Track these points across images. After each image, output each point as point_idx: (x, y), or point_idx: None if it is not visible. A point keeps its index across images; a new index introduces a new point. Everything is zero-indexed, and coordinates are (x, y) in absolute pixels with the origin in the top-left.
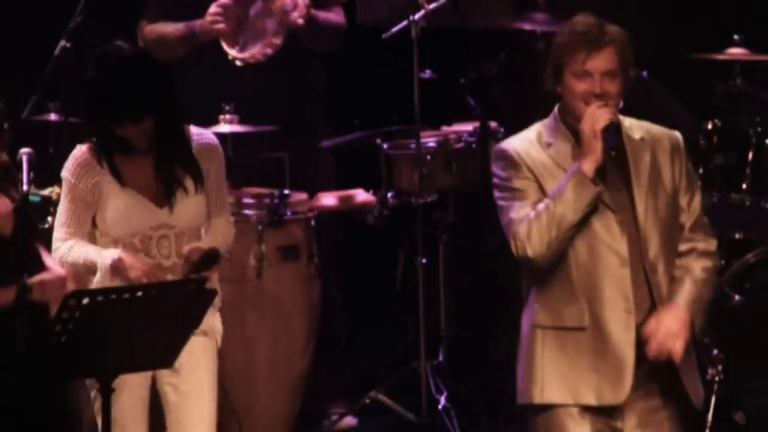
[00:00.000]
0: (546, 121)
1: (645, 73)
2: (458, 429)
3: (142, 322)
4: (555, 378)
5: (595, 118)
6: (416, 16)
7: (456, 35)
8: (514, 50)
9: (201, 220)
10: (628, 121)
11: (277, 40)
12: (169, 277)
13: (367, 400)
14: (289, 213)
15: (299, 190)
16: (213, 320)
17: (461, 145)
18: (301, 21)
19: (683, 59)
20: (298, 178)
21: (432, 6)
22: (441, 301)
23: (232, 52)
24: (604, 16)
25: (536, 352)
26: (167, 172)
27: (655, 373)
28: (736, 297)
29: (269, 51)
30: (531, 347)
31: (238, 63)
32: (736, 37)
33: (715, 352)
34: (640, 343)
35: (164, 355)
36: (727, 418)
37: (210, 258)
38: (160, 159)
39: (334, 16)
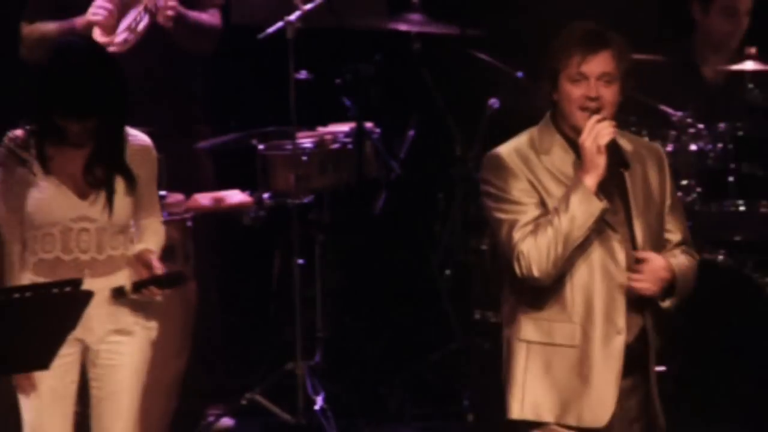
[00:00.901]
0: (537, 128)
1: (520, 74)
2: (335, 429)
3: (18, 324)
4: (537, 395)
5: (598, 132)
6: (292, 17)
7: (331, 36)
8: (390, 51)
9: (126, 220)
10: (619, 135)
11: (138, 29)
12: (86, 272)
13: (244, 401)
14: (165, 214)
15: (176, 192)
16: (136, 319)
17: (337, 145)
18: (168, 23)
19: None
20: (175, 179)
21: (307, 7)
22: (317, 301)
23: (100, 39)
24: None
25: (519, 367)
26: (98, 169)
27: (633, 390)
28: None
29: (130, 37)
30: (515, 361)
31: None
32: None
33: None
34: (627, 364)
35: (39, 357)
36: None
37: (174, 279)
38: (95, 156)
39: (209, 17)
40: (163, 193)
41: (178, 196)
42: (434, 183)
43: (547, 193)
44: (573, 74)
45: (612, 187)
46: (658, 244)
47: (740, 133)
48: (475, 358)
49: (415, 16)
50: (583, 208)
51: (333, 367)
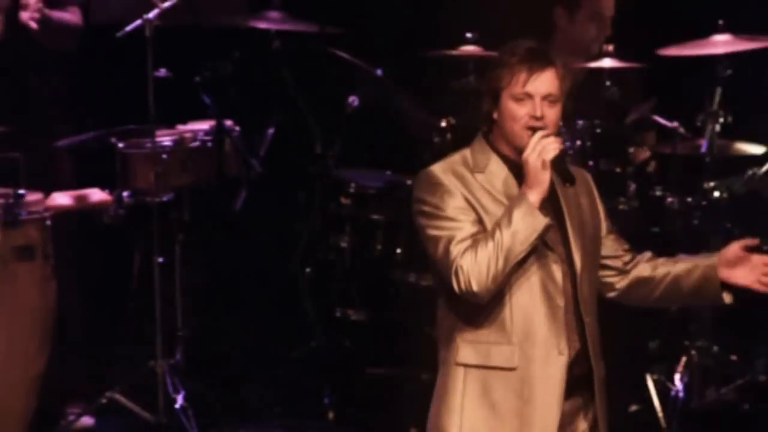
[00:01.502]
0: (470, 147)
1: (379, 72)
2: (196, 428)
3: None
4: (476, 419)
5: (543, 147)
6: (150, 15)
7: (190, 34)
8: (250, 48)
9: None
10: None
11: None
12: None
13: (104, 400)
14: (24, 213)
15: (35, 190)
16: None
17: (197, 143)
18: (33, 24)
19: (417, 57)
20: (34, 178)
21: (166, 5)
22: (177, 300)
23: None
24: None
25: (457, 391)
26: None
27: (577, 412)
28: None
29: None
30: (452, 385)
31: None
32: (469, 35)
33: None
34: (569, 385)
35: None
36: None
37: None
38: None
39: (70, 15)
40: (22, 191)
41: (37, 195)
42: (294, 181)
43: (485, 210)
44: (517, 93)
45: (548, 206)
46: (593, 267)
47: (598, 130)
48: (336, 356)
49: (275, 14)
50: (526, 223)
51: (193, 366)
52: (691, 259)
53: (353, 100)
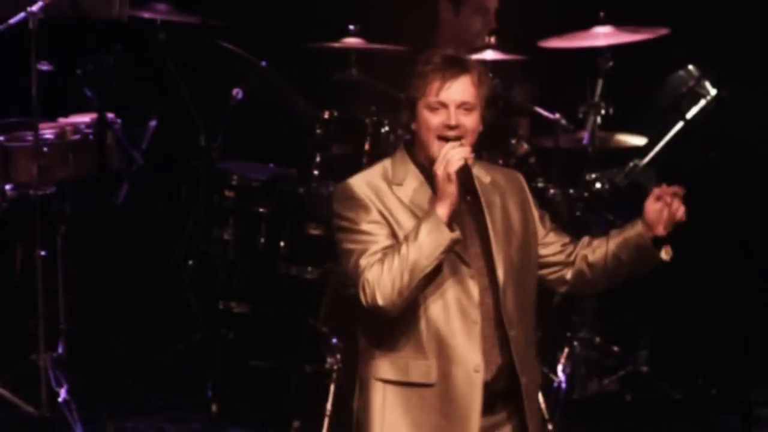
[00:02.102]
0: (391, 159)
1: (264, 63)
2: (79, 421)
3: None
4: None
5: (449, 159)
6: (34, 8)
7: (72, 26)
8: (134, 40)
9: None
10: (477, 165)
11: None
12: None
13: None
14: None
15: None
16: None
17: (78, 136)
18: None
19: (300, 49)
20: None
21: None
22: (60, 293)
23: None
24: None
25: (376, 407)
26: None
27: (498, 428)
28: None
29: None
30: (371, 400)
31: None
32: (352, 27)
33: (334, 340)
34: (487, 401)
35: None
36: (346, 407)
37: None
38: None
39: None
40: None
41: None
42: (177, 173)
43: (398, 224)
44: (432, 102)
45: (469, 218)
46: (521, 278)
47: None
48: (219, 348)
49: (161, 6)
50: (432, 237)
51: (76, 359)
52: (620, 232)
53: (237, 92)
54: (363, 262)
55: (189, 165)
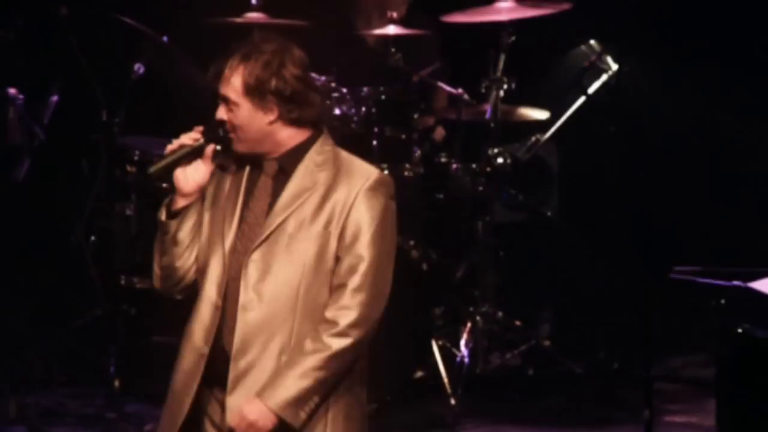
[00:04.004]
0: None
1: (165, 38)
2: None
3: None
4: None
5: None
6: None
7: None
8: (34, 15)
9: None
10: (322, 158)
11: None
12: None
13: None
14: None
15: None
16: None
17: None
18: None
19: (202, 24)
20: None
21: None
22: None
23: None
24: None
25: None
26: None
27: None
28: None
29: None
30: None
31: None
32: (254, 1)
33: None
34: (210, 378)
35: None
36: None
37: None
38: None
39: None
40: None
41: None
42: (78, 149)
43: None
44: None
45: (258, 201)
46: (272, 259)
47: (383, 97)
48: (121, 323)
49: None
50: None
51: None
52: None
53: (139, 67)
54: None
55: (90, 140)
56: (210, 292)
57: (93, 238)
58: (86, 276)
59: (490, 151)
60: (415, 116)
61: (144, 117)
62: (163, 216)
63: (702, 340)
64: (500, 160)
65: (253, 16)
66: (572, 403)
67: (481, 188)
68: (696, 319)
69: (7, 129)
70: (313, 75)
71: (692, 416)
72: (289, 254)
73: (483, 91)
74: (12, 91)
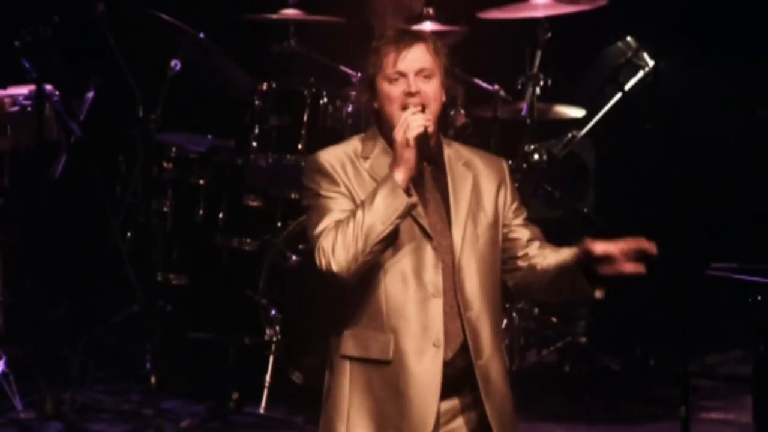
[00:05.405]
0: (362, 135)
1: (202, 35)
2: (17, 393)
3: None
4: (361, 415)
5: (408, 124)
6: None
7: None
8: (70, 12)
9: None
10: (454, 146)
11: None
12: None
13: None
14: None
15: None
16: None
17: (16, 108)
18: None
19: (238, 20)
20: None
21: None
22: None
23: None
24: None
25: (344, 385)
26: None
27: (461, 411)
28: (293, 257)
29: None
30: (339, 378)
31: None
32: None
33: (273, 312)
34: (447, 380)
35: None
36: (286, 378)
37: None
38: None
39: None
40: None
41: None
42: (115, 145)
43: (361, 198)
44: (390, 74)
45: (434, 193)
46: (486, 258)
47: None
48: (157, 320)
49: None
50: (387, 202)
51: (14, 332)
52: (567, 254)
53: (175, 63)
54: (319, 228)
55: (127, 137)
56: (420, 282)
57: (129, 234)
58: (123, 273)
59: (526, 148)
60: (451, 112)
61: (180, 113)
62: (412, 198)
63: (739, 336)
64: (536, 156)
65: (290, 12)
66: (609, 400)
67: (517, 185)
68: (733, 315)
69: (44, 126)
70: (350, 71)
71: (729, 413)
72: (491, 249)
73: (519, 88)
74: (48, 87)
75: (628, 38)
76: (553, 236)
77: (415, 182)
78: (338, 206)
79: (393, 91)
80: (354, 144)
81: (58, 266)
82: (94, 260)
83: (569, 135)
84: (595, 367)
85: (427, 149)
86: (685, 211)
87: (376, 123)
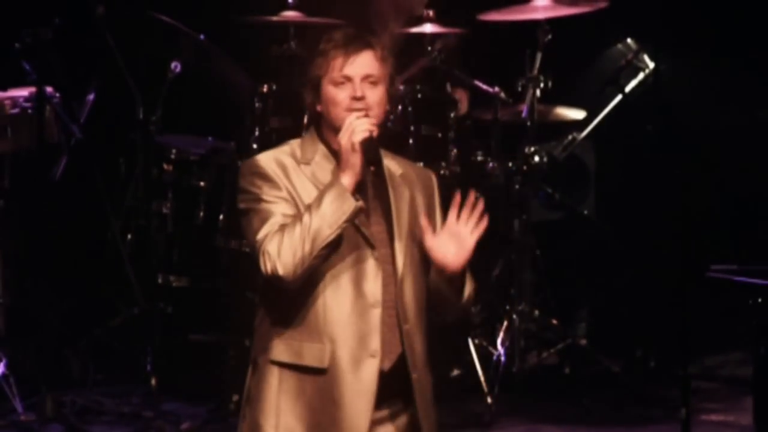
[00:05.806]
0: (300, 140)
1: (202, 37)
2: (18, 396)
3: None
4: (292, 420)
5: (353, 129)
6: None
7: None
8: (71, 14)
9: None
10: (390, 156)
11: None
12: None
13: None
14: None
15: None
16: None
17: (17, 110)
18: None
19: (239, 22)
20: None
21: None
22: None
23: None
24: None
25: (272, 390)
26: None
27: (392, 420)
28: None
29: None
30: (266, 382)
31: None
32: (289, 0)
33: None
34: (383, 390)
35: None
36: None
37: None
38: None
39: None
40: None
41: None
42: (116, 147)
43: (303, 202)
44: (336, 78)
45: (376, 203)
46: (420, 273)
47: (419, 95)
48: (158, 322)
49: None
50: (335, 206)
51: (15, 333)
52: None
53: (175, 65)
54: (263, 233)
55: (127, 138)
56: (359, 292)
57: (130, 236)
58: (123, 274)
59: (526, 150)
60: (452, 114)
61: (181, 115)
62: (359, 202)
63: (739, 338)
64: (537, 158)
65: (290, 14)
66: (609, 402)
67: (517, 187)
68: (733, 317)
69: (44, 128)
70: None
71: (729, 415)
72: (423, 264)
73: (519, 90)
74: (49, 89)
75: (629, 40)
76: (555, 239)
77: (359, 189)
78: (280, 210)
79: (338, 94)
80: (292, 148)
81: (59, 268)
82: (94, 262)
83: (570, 137)
84: (595, 369)
85: (372, 155)
86: (686, 213)
87: (315, 127)
